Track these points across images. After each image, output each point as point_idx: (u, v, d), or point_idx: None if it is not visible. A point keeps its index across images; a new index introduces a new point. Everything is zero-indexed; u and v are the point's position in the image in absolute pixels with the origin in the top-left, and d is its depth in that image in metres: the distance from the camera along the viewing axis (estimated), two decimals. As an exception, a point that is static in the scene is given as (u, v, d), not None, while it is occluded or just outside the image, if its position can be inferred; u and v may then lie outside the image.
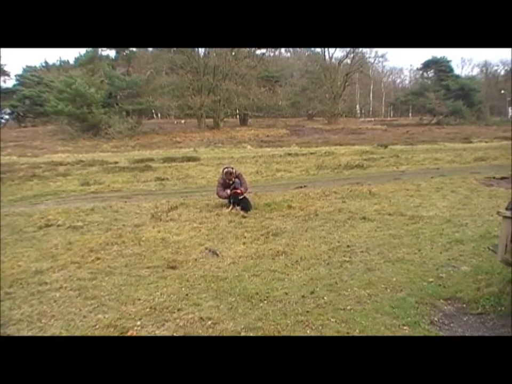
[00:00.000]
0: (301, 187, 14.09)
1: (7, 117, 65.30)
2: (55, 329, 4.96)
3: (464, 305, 5.44)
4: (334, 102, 63.86)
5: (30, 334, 4.87)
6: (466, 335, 4.74)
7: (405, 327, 4.83)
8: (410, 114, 77.56)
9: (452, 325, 4.98)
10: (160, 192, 14.41)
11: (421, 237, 8.23)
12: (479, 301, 5.44)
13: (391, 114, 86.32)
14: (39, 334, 4.85)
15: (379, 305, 5.39)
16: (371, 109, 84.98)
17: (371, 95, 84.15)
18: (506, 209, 5.39)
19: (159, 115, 68.58)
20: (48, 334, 4.86)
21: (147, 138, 41.41)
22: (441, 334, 4.71)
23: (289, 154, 25.17)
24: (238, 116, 62.81)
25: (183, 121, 58.36)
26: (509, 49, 79.76)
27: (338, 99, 65.15)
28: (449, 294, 5.70)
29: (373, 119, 74.15)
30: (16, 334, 4.83)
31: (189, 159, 23.49)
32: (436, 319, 5.09)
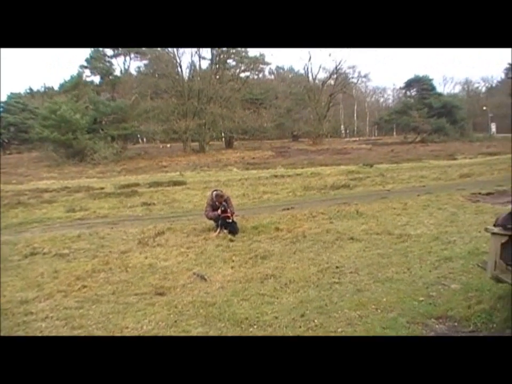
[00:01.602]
0: (288, 209, 14.06)
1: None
2: (40, 361, 4.86)
3: (456, 324, 5.39)
4: (319, 122, 64.14)
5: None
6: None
7: (397, 348, 4.77)
8: (394, 133, 78.04)
9: (444, 344, 4.93)
10: (147, 217, 14.29)
11: (409, 255, 8.20)
12: (471, 318, 5.39)
13: (376, 134, 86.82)
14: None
15: (370, 327, 5.32)
16: (355, 128, 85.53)
17: (355, 115, 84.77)
18: (495, 225, 5.38)
19: (144, 140, 68.49)
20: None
21: (133, 163, 41.19)
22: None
23: (275, 176, 25.09)
24: (223, 139, 62.92)
25: (168, 145, 58.34)
26: (488, 66, 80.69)
27: (323, 120, 65.49)
28: (440, 313, 5.65)
29: (357, 138, 74.62)
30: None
31: (175, 183, 23.34)
32: (428, 339, 5.04)
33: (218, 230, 10.66)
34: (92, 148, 42.59)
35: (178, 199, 18.03)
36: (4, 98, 66.15)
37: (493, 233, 5.30)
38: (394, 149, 46.83)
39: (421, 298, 6.13)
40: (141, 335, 5.35)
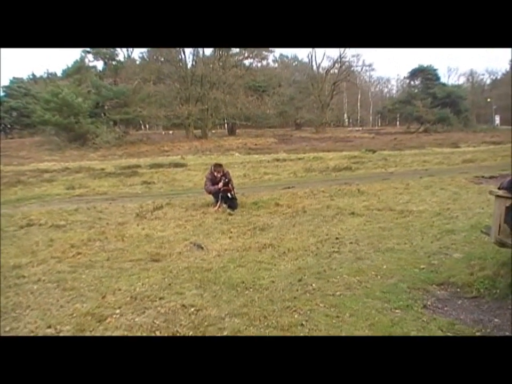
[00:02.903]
0: (289, 187, 13.89)
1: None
2: (30, 318, 4.78)
3: (458, 290, 5.29)
4: (322, 111, 63.86)
5: (2, 324, 4.64)
6: (461, 317, 4.59)
7: (397, 311, 4.67)
8: (398, 123, 77.71)
9: (445, 308, 4.84)
10: (146, 194, 14.11)
11: (411, 229, 8.07)
12: (473, 284, 5.30)
13: (379, 123, 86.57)
14: (13, 324, 4.64)
15: (369, 291, 5.23)
16: (359, 117, 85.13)
17: (358, 104, 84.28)
18: (499, 188, 5.24)
19: (147, 126, 68.26)
20: (21, 324, 4.65)
21: (134, 147, 40.92)
22: (435, 316, 4.55)
23: (277, 160, 24.85)
24: (226, 126, 62.68)
25: (171, 131, 58.14)
26: (493, 59, 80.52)
27: (326, 108, 65.17)
28: (442, 280, 5.55)
29: (360, 128, 74.24)
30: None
31: (176, 165, 23.16)
32: (429, 303, 4.94)
33: (218, 203, 10.52)
34: (93, 132, 42.23)
35: (179, 178, 17.86)
36: (6, 83, 66.00)
37: (497, 196, 5.16)
38: (397, 137, 46.67)
39: (422, 266, 6.03)
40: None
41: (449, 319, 4.52)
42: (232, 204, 10.49)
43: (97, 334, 4.42)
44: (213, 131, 56.10)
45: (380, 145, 35.65)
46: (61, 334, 4.44)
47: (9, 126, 63.72)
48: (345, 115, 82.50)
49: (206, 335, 4.30)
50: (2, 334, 4.54)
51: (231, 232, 8.30)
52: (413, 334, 4.18)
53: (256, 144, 42.82)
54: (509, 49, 46.17)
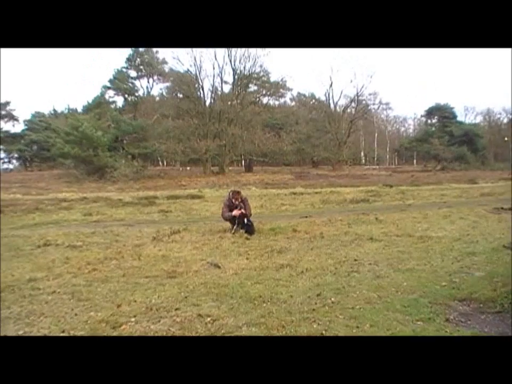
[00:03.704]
0: (306, 217, 13.82)
1: (14, 161, 65.88)
2: (44, 324, 4.75)
3: (481, 305, 5.17)
4: (339, 149, 63.81)
5: (15, 328, 4.60)
6: (485, 330, 4.47)
7: (418, 322, 4.57)
8: (415, 162, 77.60)
9: (469, 322, 4.71)
10: (163, 221, 14.06)
11: (430, 252, 7.95)
12: (497, 300, 5.18)
13: (396, 162, 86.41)
14: (26, 329, 4.60)
15: (390, 305, 5.13)
16: (375, 156, 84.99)
17: (375, 142, 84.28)
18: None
19: (164, 162, 68.76)
20: (35, 329, 4.62)
21: (152, 182, 41.11)
22: (458, 329, 4.44)
23: (294, 193, 24.81)
24: (243, 162, 62.92)
25: (188, 167, 58.51)
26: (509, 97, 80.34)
27: (343, 146, 65.14)
28: (464, 296, 5.44)
29: (377, 166, 74.11)
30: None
31: (193, 197, 23.25)
32: (451, 317, 4.83)
33: (235, 227, 10.48)
34: (112, 165, 42.51)
35: (196, 208, 17.87)
36: (28, 117, 67.15)
37: (521, 209, 5.06)
38: (415, 175, 46.55)
39: (444, 284, 5.93)
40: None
41: (473, 331, 4.40)
42: (249, 229, 10.43)
43: (111, 340, 4.35)
44: (230, 168, 56.29)
45: (397, 182, 35.51)
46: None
47: (29, 158, 64.63)
48: (362, 153, 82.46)
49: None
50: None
51: (248, 254, 8.22)
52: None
53: (273, 180, 42.86)
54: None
